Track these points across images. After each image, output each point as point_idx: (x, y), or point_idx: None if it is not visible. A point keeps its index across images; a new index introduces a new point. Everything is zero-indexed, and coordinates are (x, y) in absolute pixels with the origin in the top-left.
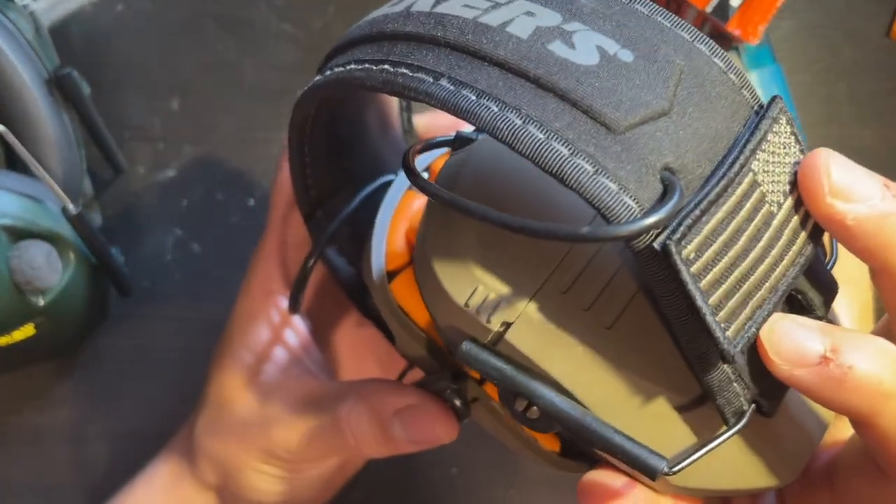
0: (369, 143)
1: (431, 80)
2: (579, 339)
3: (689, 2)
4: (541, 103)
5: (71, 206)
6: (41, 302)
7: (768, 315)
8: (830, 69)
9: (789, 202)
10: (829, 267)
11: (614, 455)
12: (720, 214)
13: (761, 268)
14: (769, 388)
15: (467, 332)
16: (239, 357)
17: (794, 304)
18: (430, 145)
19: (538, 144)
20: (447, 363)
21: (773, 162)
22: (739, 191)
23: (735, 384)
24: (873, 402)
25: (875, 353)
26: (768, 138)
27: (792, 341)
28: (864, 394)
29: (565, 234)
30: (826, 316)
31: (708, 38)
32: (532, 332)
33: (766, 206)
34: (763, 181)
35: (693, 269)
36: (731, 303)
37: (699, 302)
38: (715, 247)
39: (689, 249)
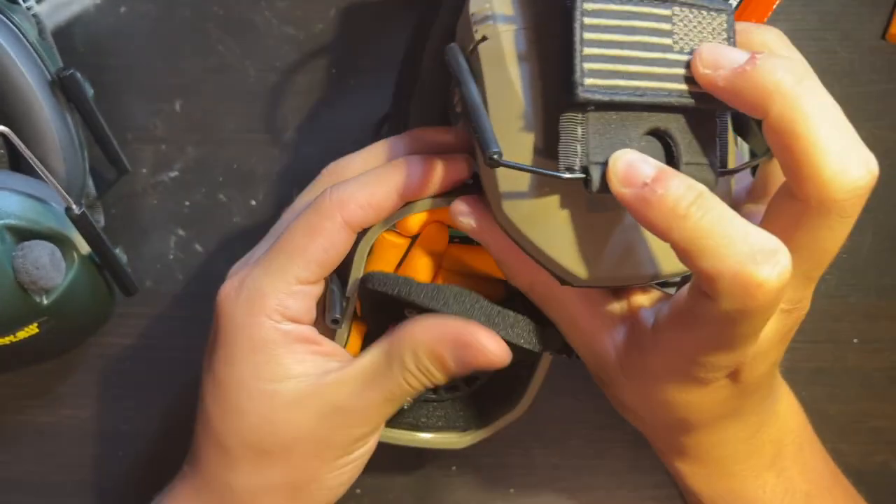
0: None
1: None
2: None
3: None
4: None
5: (74, 207)
6: (45, 301)
7: (634, 90)
8: (826, 71)
9: (685, 58)
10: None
11: (473, 131)
12: (629, 6)
13: (638, 66)
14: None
15: (461, 43)
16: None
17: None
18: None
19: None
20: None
21: (697, 26)
22: (650, 9)
23: (579, 144)
24: (670, 221)
25: (683, 186)
26: (702, 11)
27: (630, 166)
28: (665, 214)
29: None
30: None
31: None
32: (495, 54)
33: (670, 39)
34: (677, 24)
35: (587, 20)
36: (603, 66)
37: (577, 35)
38: (610, 21)
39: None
